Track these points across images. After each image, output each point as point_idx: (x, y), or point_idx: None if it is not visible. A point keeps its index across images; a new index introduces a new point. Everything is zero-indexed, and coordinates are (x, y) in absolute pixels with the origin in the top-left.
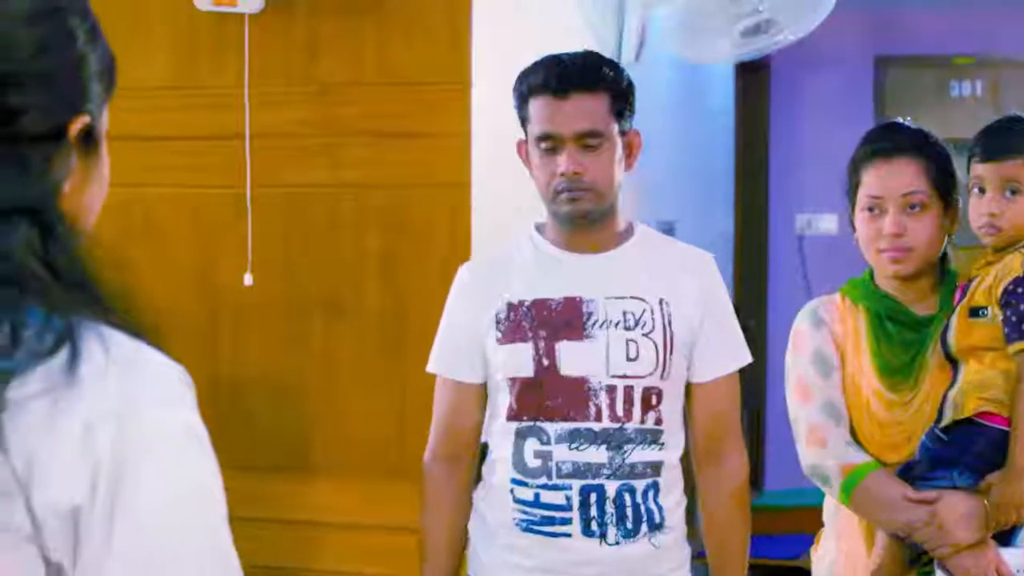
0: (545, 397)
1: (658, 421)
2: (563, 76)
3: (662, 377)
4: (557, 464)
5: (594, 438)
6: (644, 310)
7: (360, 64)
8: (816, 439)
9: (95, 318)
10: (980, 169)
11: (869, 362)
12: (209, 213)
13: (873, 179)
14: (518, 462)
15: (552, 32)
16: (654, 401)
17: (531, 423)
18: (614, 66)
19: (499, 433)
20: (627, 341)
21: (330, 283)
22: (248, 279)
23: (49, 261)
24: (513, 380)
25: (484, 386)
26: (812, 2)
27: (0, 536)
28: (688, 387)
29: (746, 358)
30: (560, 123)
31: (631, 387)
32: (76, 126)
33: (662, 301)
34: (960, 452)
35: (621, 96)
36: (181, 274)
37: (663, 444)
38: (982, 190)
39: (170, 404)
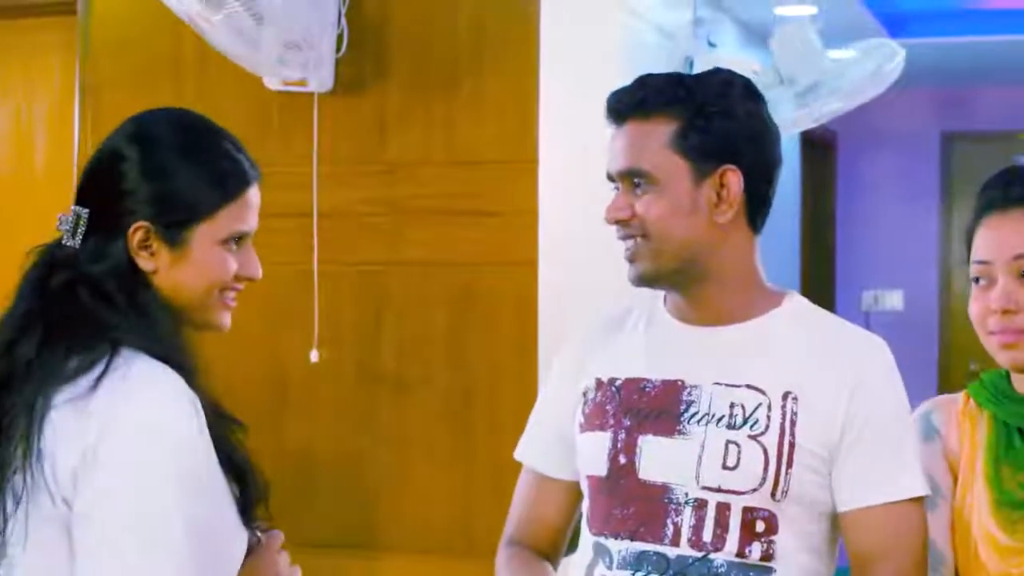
0: (614, 505)
1: (767, 556)
2: (619, 99)
3: (774, 497)
4: None
5: (665, 568)
6: (759, 405)
7: (428, 143)
8: None
9: (140, 349)
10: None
11: (983, 490)
12: (277, 289)
13: (982, 239)
14: None
15: None
16: (760, 528)
17: (598, 538)
18: (696, 84)
19: (582, 547)
20: (727, 443)
21: (397, 360)
22: (315, 355)
23: (115, 306)
24: (589, 479)
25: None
26: (872, 81)
27: (37, 486)
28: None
29: (910, 489)
30: (612, 158)
31: (726, 505)
32: (131, 231)
33: (787, 396)
34: None
35: (696, 123)
36: (248, 349)
37: None
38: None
39: (140, 407)
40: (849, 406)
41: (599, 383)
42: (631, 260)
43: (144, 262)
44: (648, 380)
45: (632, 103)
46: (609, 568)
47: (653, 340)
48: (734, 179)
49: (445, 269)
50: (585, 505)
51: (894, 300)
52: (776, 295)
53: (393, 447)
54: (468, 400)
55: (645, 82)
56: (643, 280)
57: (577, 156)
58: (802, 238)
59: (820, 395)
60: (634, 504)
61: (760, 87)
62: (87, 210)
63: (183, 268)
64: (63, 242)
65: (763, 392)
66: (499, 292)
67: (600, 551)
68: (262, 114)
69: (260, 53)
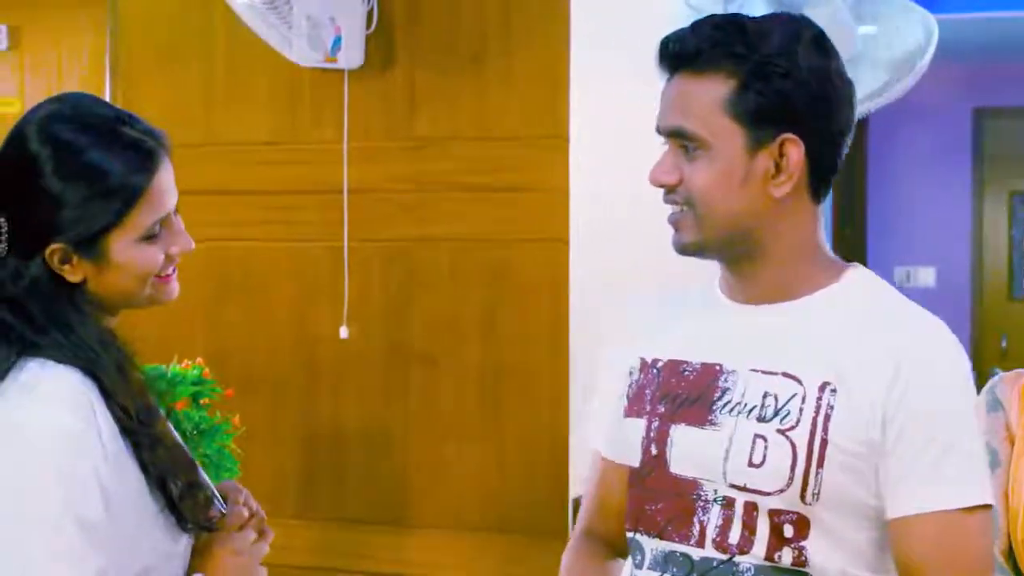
0: (646, 500)
1: (799, 562)
2: (670, 46)
3: (804, 499)
4: None
5: (689, 570)
6: (793, 396)
7: (458, 118)
8: None
9: (48, 357)
10: None
11: None
12: (307, 266)
13: None
14: None
15: (649, 85)
16: (789, 532)
17: (633, 534)
18: (758, 36)
19: None
20: (755, 437)
21: (427, 336)
22: (344, 332)
23: (35, 324)
24: (629, 470)
25: None
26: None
27: None
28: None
29: (964, 496)
30: (660, 113)
31: (753, 505)
32: (48, 253)
33: (826, 387)
34: None
35: (754, 84)
36: (279, 326)
37: None
38: None
39: (19, 410)
40: (890, 396)
41: (643, 364)
42: (675, 227)
43: (70, 275)
44: (688, 363)
45: (684, 54)
46: (640, 567)
47: (699, 319)
48: (794, 150)
49: (475, 245)
50: None
51: (926, 277)
52: (836, 269)
53: (424, 423)
54: (499, 377)
55: (699, 30)
56: (686, 250)
57: (608, 131)
58: (834, 214)
59: (861, 385)
60: (664, 500)
61: None
62: (4, 219)
63: (109, 274)
64: None
65: (799, 381)
66: (530, 269)
67: (634, 548)
68: (293, 91)
69: (290, 33)
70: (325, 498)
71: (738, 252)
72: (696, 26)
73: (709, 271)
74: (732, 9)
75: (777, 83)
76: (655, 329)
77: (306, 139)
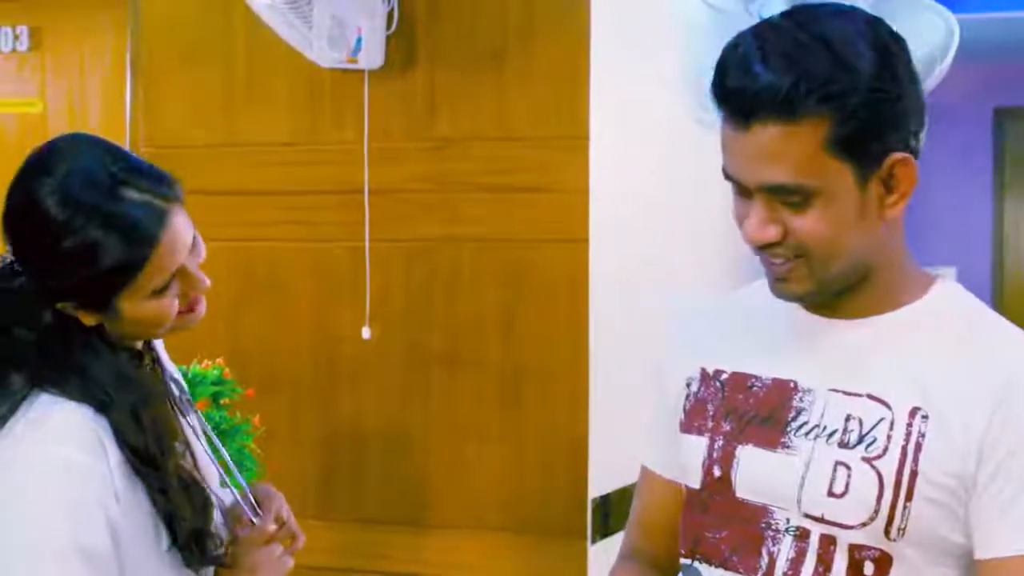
0: (706, 525)
1: None
2: (747, 91)
3: (888, 534)
4: None
5: None
6: (880, 421)
7: (479, 119)
8: None
9: (57, 392)
10: None
11: None
12: (328, 267)
13: None
14: None
15: (668, 85)
16: (869, 570)
17: (689, 561)
18: (850, 62)
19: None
20: (836, 464)
21: (448, 337)
22: (366, 332)
23: (51, 363)
24: (686, 489)
25: None
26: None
27: None
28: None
29: None
30: (740, 166)
31: (831, 538)
32: (63, 305)
33: (916, 412)
34: None
35: (859, 114)
36: (299, 326)
37: None
38: None
39: (26, 443)
40: (989, 427)
41: (704, 375)
42: (782, 278)
43: (85, 320)
44: (757, 378)
45: (772, 100)
46: None
47: (769, 329)
48: (904, 168)
49: (496, 246)
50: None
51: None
52: (923, 281)
53: (444, 424)
54: (519, 378)
55: (775, 70)
56: (799, 298)
57: (628, 131)
58: None
59: (955, 412)
60: (729, 526)
61: None
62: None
63: (123, 324)
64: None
65: (887, 405)
66: (550, 269)
67: (688, 575)
68: (313, 92)
69: (311, 33)
70: (345, 498)
71: (852, 282)
72: (767, 64)
73: (739, 274)
74: (753, 8)
75: (878, 108)
76: (717, 337)
77: (326, 140)
